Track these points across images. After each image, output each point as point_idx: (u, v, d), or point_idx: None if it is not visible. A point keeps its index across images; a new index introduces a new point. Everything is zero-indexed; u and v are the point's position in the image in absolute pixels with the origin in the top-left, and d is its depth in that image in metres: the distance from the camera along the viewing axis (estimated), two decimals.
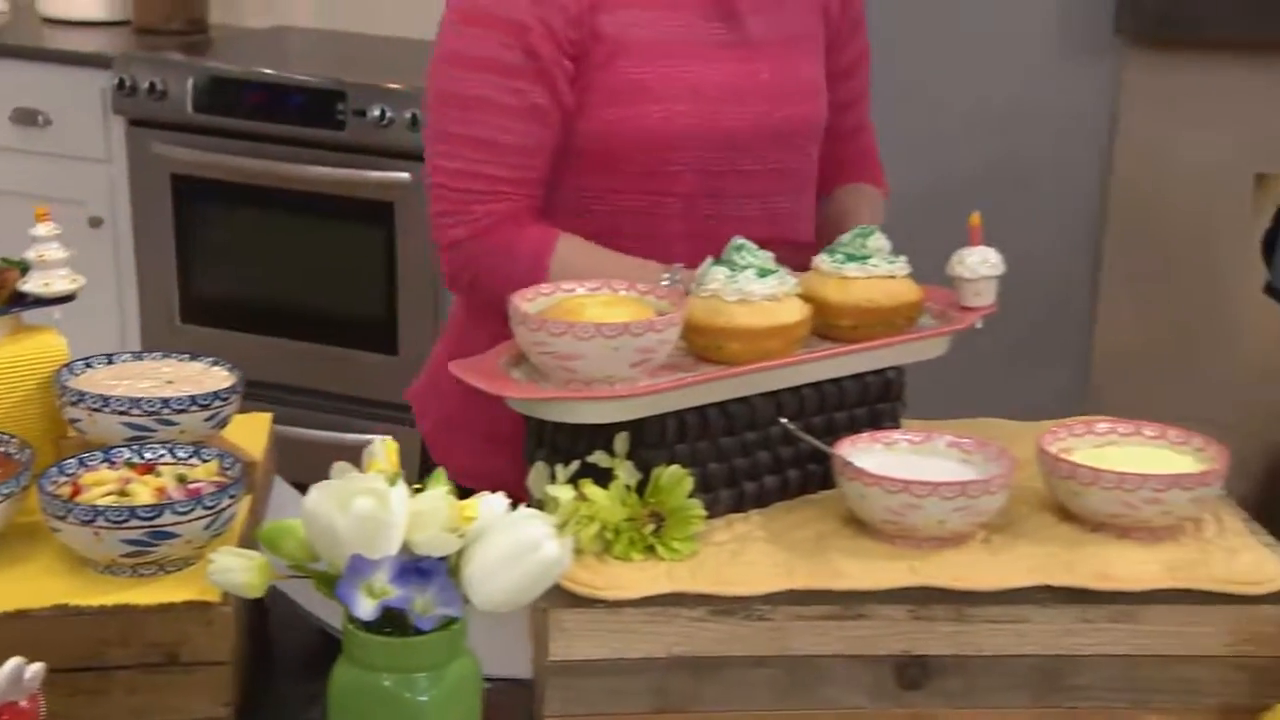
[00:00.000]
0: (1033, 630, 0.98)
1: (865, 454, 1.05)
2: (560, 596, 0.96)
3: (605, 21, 1.30)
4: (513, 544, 0.87)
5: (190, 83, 2.50)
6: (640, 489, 1.00)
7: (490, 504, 0.89)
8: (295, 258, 2.58)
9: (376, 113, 2.40)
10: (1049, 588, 0.98)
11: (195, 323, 2.63)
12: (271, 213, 2.55)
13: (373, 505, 0.83)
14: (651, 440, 1.01)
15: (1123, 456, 1.06)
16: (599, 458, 1.00)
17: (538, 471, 1.02)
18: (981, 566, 0.99)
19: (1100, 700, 0.98)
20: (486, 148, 1.27)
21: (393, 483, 0.85)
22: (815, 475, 1.08)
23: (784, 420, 1.04)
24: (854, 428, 1.08)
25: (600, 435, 1.01)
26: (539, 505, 0.97)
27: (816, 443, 1.04)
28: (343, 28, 2.84)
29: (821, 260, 1.13)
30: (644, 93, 1.31)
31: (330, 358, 2.57)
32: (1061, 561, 0.99)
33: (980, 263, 1.14)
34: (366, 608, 0.83)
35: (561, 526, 0.93)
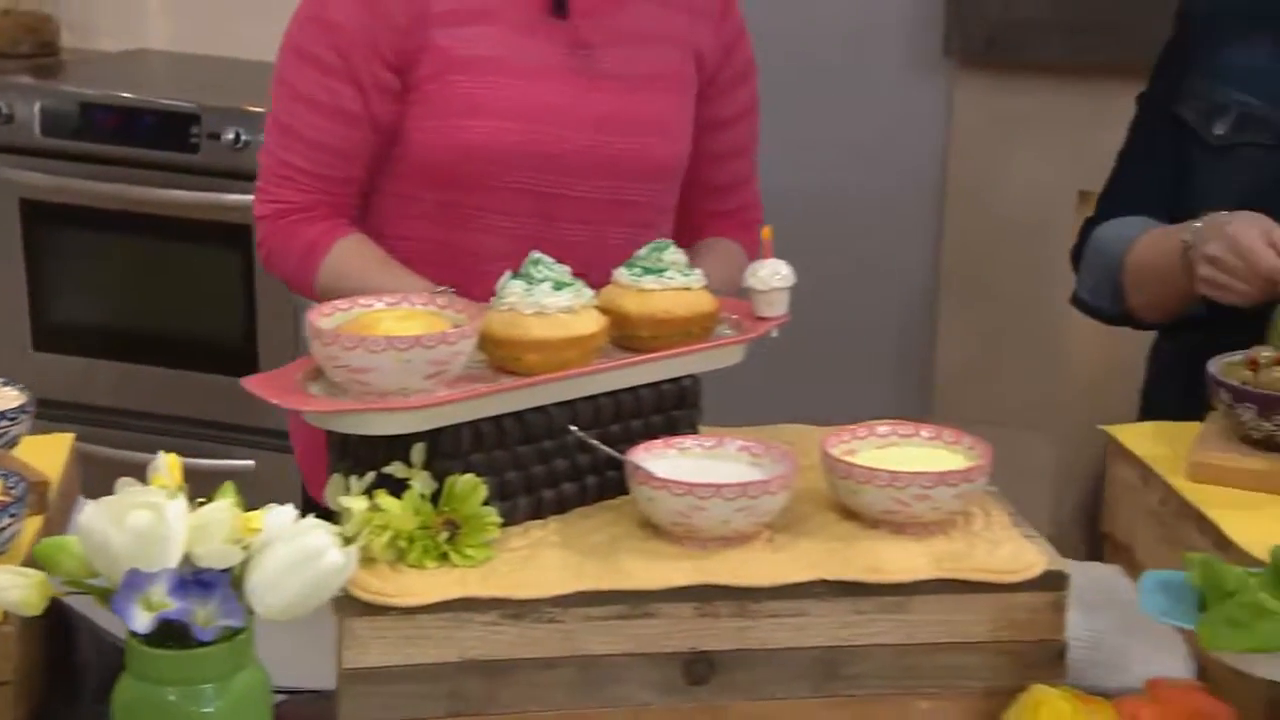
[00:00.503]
0: (812, 623, 1.02)
1: (659, 459, 1.09)
2: (354, 605, 0.98)
3: (441, 35, 1.34)
4: (296, 553, 0.89)
5: (38, 106, 2.47)
6: (436, 498, 1.03)
7: (276, 515, 0.91)
8: (151, 282, 2.56)
9: (231, 135, 2.39)
10: (826, 582, 1.02)
11: (49, 350, 2.58)
12: (126, 237, 2.52)
13: (149, 519, 0.85)
14: (447, 450, 1.04)
15: (902, 457, 1.12)
16: (395, 468, 1.03)
17: (334, 483, 1.04)
18: (763, 564, 1.03)
19: (875, 688, 1.03)
20: (293, 137, 1.34)
21: (172, 496, 0.87)
22: (613, 481, 1.11)
23: (574, 428, 1.07)
24: (651, 435, 1.12)
25: (398, 446, 1.03)
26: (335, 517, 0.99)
27: (606, 449, 1.08)
28: (199, 51, 2.82)
29: (620, 274, 1.17)
30: (473, 107, 1.35)
31: (190, 383, 2.54)
32: (838, 557, 1.04)
33: (772, 275, 1.20)
34: (142, 621, 0.84)
35: (354, 536, 0.96)
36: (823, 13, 2.40)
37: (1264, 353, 1.16)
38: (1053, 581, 1.03)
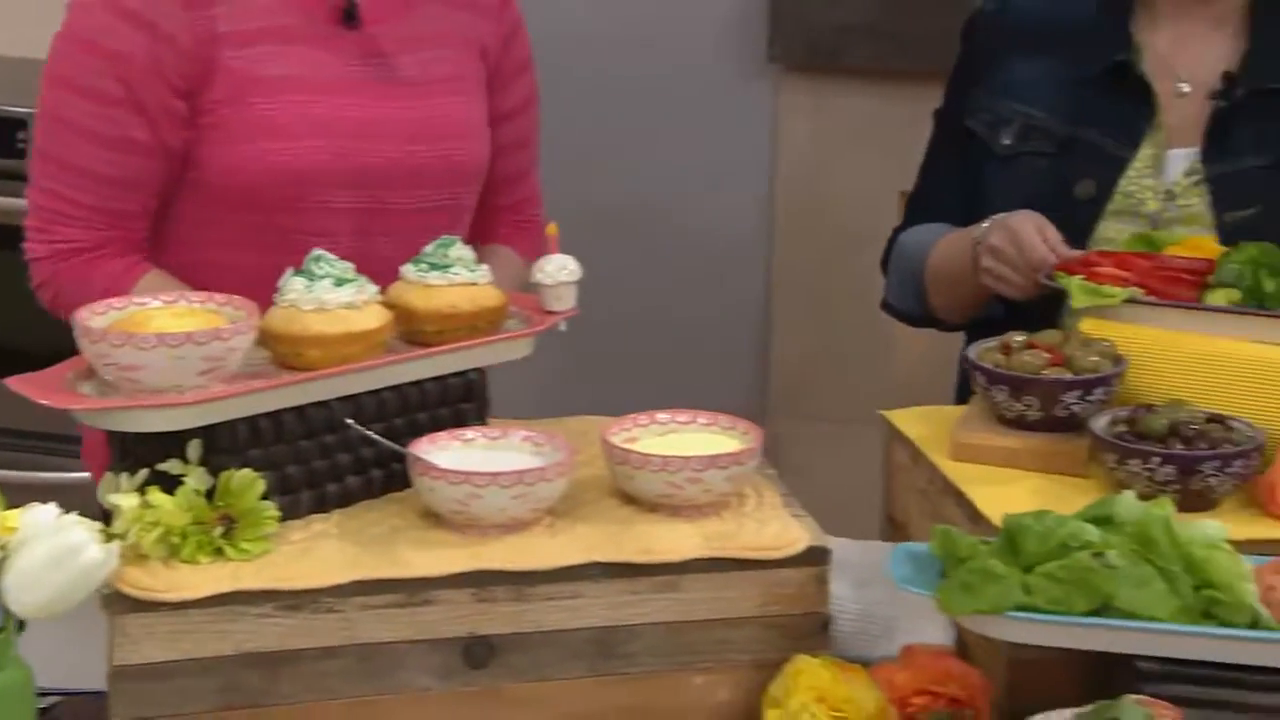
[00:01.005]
0: (587, 604, 1.05)
1: (442, 451, 1.11)
2: (124, 602, 0.97)
3: (229, 56, 1.30)
4: (54, 551, 0.89)
5: None
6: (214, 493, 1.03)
7: (34, 514, 0.91)
8: None
9: None
10: (599, 564, 1.06)
11: None
12: None
13: None
14: (224, 446, 1.04)
15: (680, 443, 1.15)
16: (171, 465, 1.03)
17: (105, 481, 1.03)
18: (540, 548, 1.06)
19: (650, 665, 1.07)
20: (76, 173, 1.28)
21: None
22: (399, 474, 1.13)
23: (351, 421, 1.08)
24: (438, 428, 1.14)
25: (175, 443, 1.03)
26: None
27: (387, 442, 1.09)
28: (27, 55, 2.74)
29: (407, 270, 1.19)
30: (272, 129, 1.32)
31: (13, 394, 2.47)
32: (613, 540, 1.07)
33: (559, 269, 1.23)
34: None
35: (122, 533, 0.96)
36: (650, 19, 2.45)
37: (1016, 338, 1.23)
38: (815, 557, 1.07)
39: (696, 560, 1.06)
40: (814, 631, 1.08)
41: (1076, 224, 1.43)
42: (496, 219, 1.52)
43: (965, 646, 1.12)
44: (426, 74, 1.40)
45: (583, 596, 1.05)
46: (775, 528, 1.09)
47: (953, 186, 1.57)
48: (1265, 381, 1.13)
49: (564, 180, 2.47)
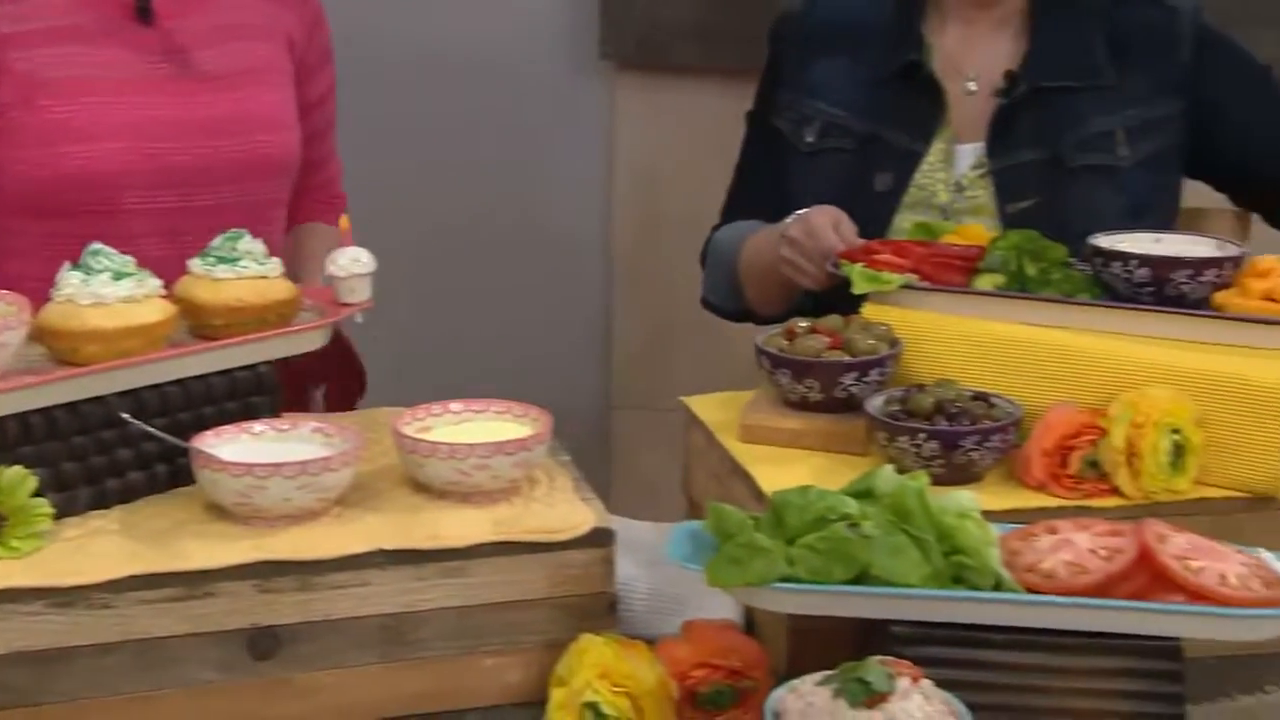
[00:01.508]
0: (374, 592, 1.06)
1: (230, 444, 1.11)
2: None
3: (16, 59, 1.27)
4: None
5: None
6: None
7: None
8: None
9: None
10: (386, 551, 1.07)
11: None
12: None
13: None
14: None
15: (474, 431, 1.17)
16: None
17: None
18: (326, 538, 1.06)
19: (440, 650, 1.08)
20: None
21: None
22: (186, 469, 1.11)
23: (126, 416, 1.07)
24: (227, 422, 1.14)
25: None
26: None
27: (167, 437, 1.08)
28: None
29: (194, 264, 1.18)
30: (69, 132, 1.28)
31: None
32: (400, 527, 1.08)
33: (352, 262, 1.23)
34: None
35: None
36: (482, 18, 2.46)
37: (800, 323, 1.28)
38: (600, 538, 1.10)
39: (484, 545, 1.08)
40: (601, 611, 1.10)
41: (876, 216, 1.50)
42: (305, 199, 1.52)
43: (753, 618, 1.16)
44: (230, 67, 1.38)
45: (370, 584, 1.06)
46: (562, 511, 1.11)
47: (764, 184, 1.62)
48: (1026, 360, 1.20)
49: (402, 179, 2.47)
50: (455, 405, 1.19)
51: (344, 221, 1.24)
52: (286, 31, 1.45)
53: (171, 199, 1.33)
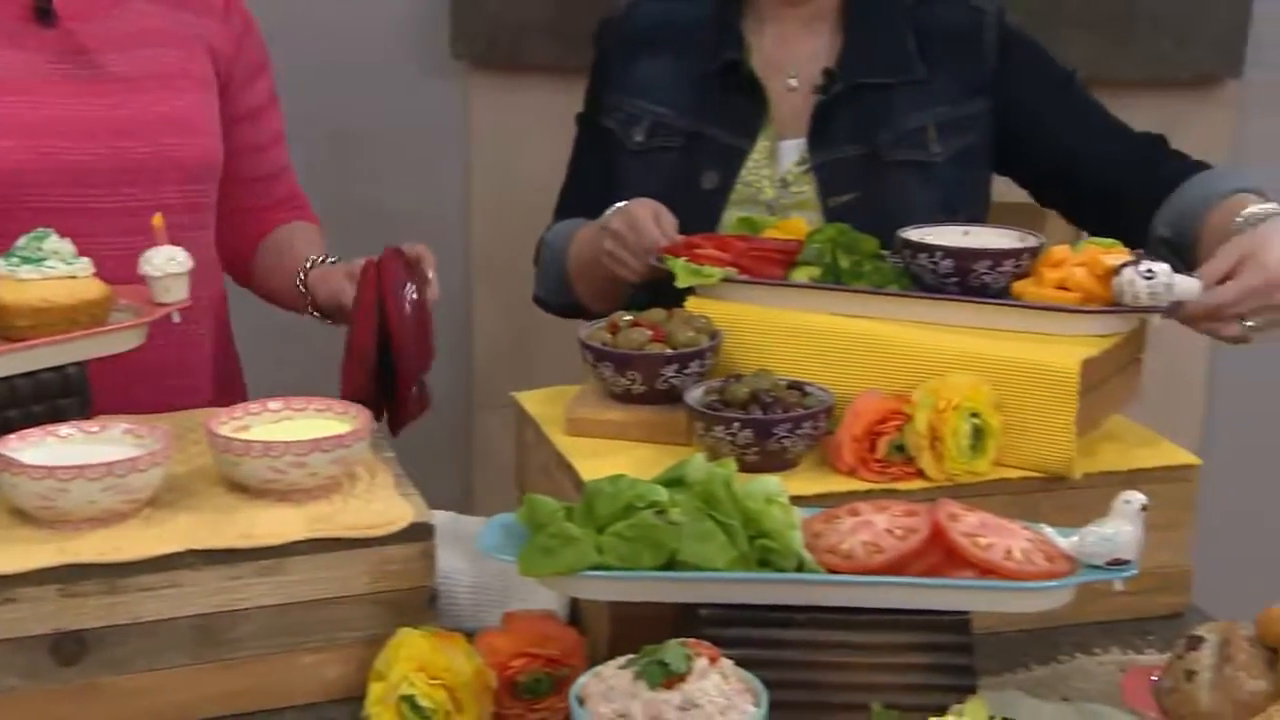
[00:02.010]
0: (186, 593, 1.05)
1: (35, 447, 1.09)
2: None
3: None
4: None
5: None
6: None
7: None
8: None
9: None
10: (197, 551, 1.05)
11: None
12: None
13: None
14: None
15: (294, 429, 1.17)
16: None
17: None
18: (134, 539, 1.05)
19: (257, 649, 1.07)
20: None
21: None
22: None
23: None
24: (32, 425, 1.11)
25: None
26: None
27: None
28: None
29: None
30: None
31: None
32: (213, 527, 1.07)
33: (168, 260, 1.22)
34: None
35: None
36: (333, 17, 2.43)
37: (624, 317, 1.30)
38: (419, 533, 1.11)
39: (300, 542, 1.08)
40: (421, 605, 1.11)
41: (705, 213, 1.53)
42: (273, 216, 1.53)
43: (577, 608, 1.17)
44: (139, 71, 1.37)
45: (181, 585, 1.05)
46: (379, 507, 1.11)
47: (595, 183, 1.64)
48: (838, 349, 1.23)
49: None
50: (274, 403, 1.19)
51: (157, 219, 1.22)
52: (206, 41, 1.45)
53: (73, 199, 1.32)
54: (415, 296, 1.29)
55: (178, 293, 1.22)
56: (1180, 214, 1.41)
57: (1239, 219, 1.32)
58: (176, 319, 1.22)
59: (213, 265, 1.50)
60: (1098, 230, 1.45)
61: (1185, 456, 1.21)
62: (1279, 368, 2.27)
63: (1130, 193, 1.47)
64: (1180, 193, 1.44)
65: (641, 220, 1.41)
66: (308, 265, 1.45)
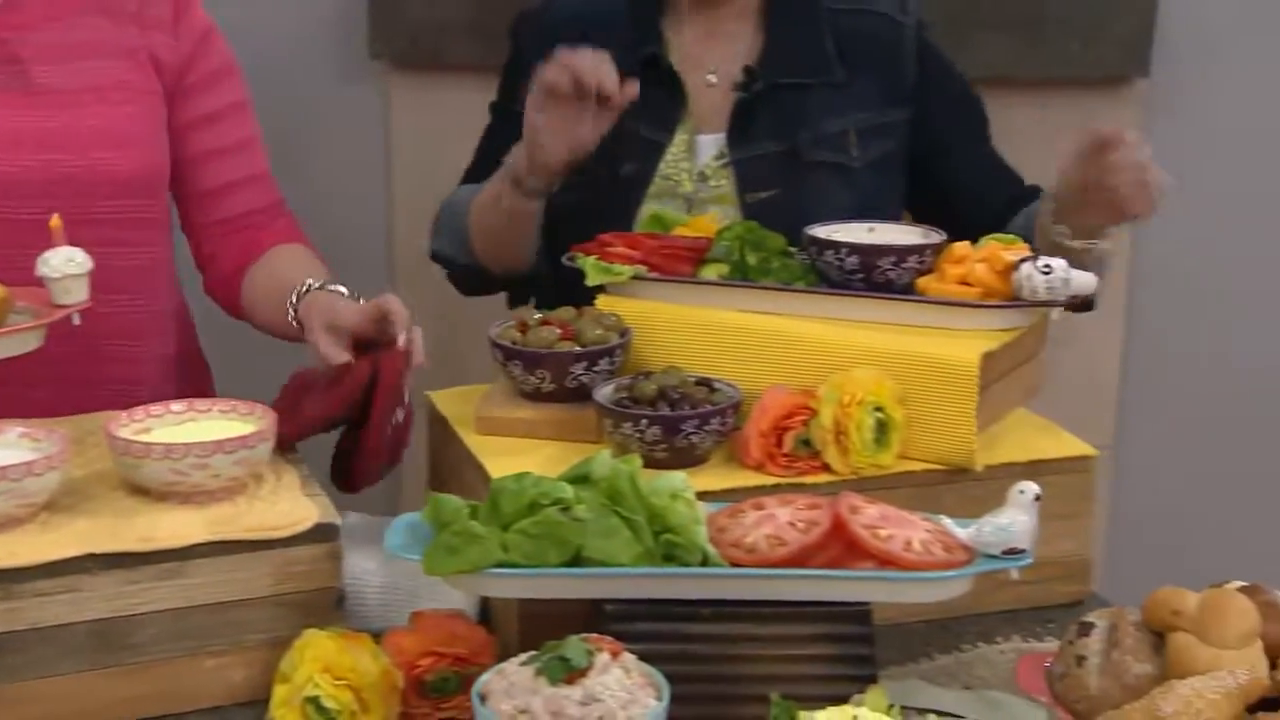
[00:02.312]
0: (84, 598, 1.04)
1: None
2: None
3: None
4: None
5: None
6: None
7: None
8: None
9: None
10: (96, 556, 1.04)
11: None
12: None
13: None
14: None
15: (197, 430, 1.16)
16: None
17: None
18: (30, 545, 1.04)
19: (158, 654, 1.06)
20: None
21: None
22: None
23: None
24: None
25: None
26: None
27: None
28: None
29: None
30: None
31: None
32: (112, 531, 1.06)
33: (66, 262, 1.20)
34: None
35: None
36: (248, 16, 2.41)
37: (533, 315, 1.30)
38: (325, 533, 1.10)
39: (202, 545, 1.07)
40: (328, 606, 1.10)
41: (623, 205, 1.53)
42: (257, 236, 1.49)
43: (488, 606, 1.17)
44: (72, 84, 1.35)
45: (79, 590, 1.03)
46: (284, 508, 1.11)
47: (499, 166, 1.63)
48: (746, 345, 1.25)
49: None
50: (176, 405, 1.17)
51: (55, 220, 1.20)
52: (152, 53, 1.42)
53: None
54: (401, 420, 1.22)
55: (77, 294, 1.20)
56: (1020, 229, 1.42)
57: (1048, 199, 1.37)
58: (77, 320, 1.20)
59: (161, 280, 1.47)
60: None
61: (1083, 448, 1.24)
62: (1189, 360, 2.33)
63: (1004, 229, 1.47)
64: (1022, 217, 1.49)
65: (576, 54, 1.37)
66: (302, 289, 1.35)
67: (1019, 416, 1.29)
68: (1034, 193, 1.56)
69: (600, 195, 1.50)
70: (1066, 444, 1.25)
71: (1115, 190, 1.29)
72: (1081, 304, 1.32)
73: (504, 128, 1.65)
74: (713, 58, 1.57)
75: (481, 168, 1.69)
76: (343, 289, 1.38)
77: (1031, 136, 2.18)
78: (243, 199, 1.50)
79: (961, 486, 1.19)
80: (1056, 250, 1.30)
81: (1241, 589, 0.92)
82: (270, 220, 1.53)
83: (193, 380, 1.53)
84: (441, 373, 2.63)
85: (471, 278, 1.65)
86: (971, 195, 1.55)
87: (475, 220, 1.58)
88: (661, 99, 1.55)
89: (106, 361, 1.41)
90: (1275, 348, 2.32)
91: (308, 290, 1.35)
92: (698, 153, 1.54)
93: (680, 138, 1.54)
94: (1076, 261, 1.28)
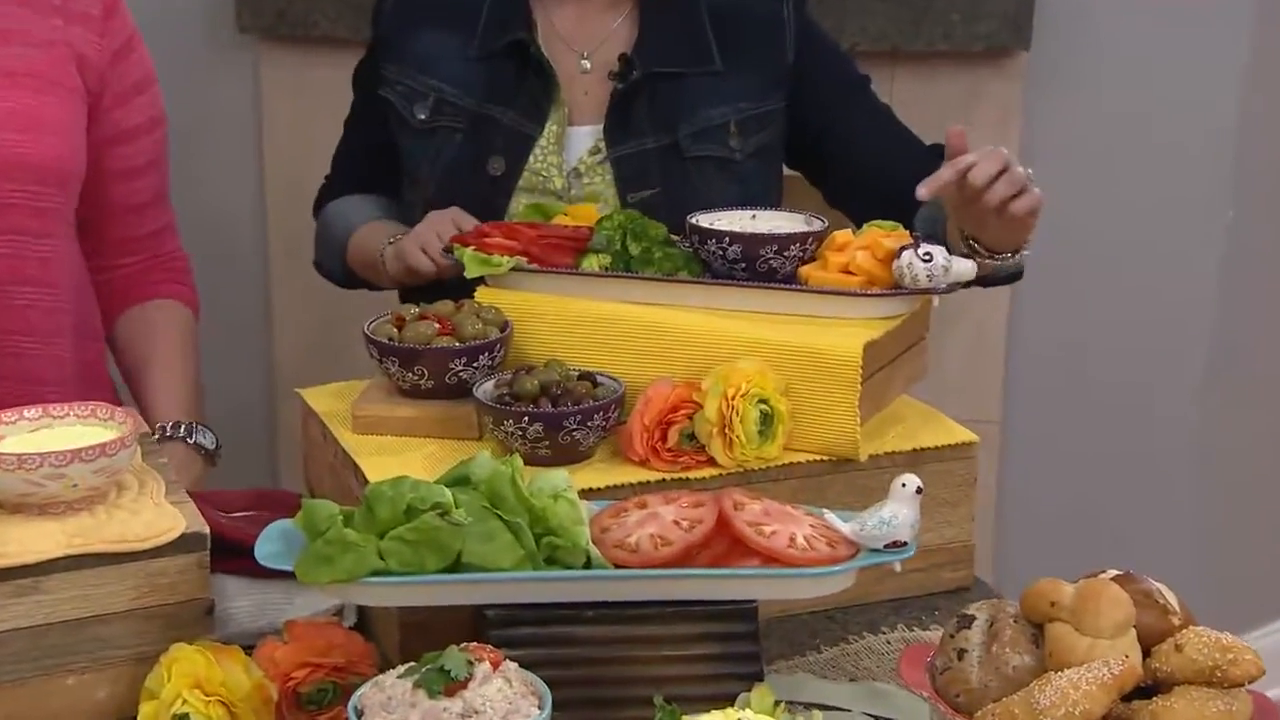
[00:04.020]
0: None
1: None
2: None
3: None
4: None
5: None
6: None
7: None
8: None
9: None
10: None
11: None
12: None
13: None
14: None
15: (54, 438, 1.12)
16: None
17: None
18: None
19: (15, 674, 1.03)
20: None
21: None
22: None
23: None
24: None
25: None
26: None
27: None
28: None
29: None
30: None
31: None
32: None
33: None
34: None
35: None
36: None
37: (411, 309, 1.29)
38: (192, 543, 1.08)
39: (60, 559, 1.04)
40: (196, 618, 1.08)
41: (492, 201, 1.51)
42: (143, 261, 1.50)
43: (366, 612, 1.16)
44: None
45: None
46: (147, 517, 1.08)
47: (373, 153, 1.62)
48: (628, 338, 1.25)
49: None
50: (31, 411, 1.13)
51: None
52: (74, 48, 1.39)
53: None
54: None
55: None
56: (930, 218, 1.44)
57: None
58: None
59: (63, 277, 1.44)
60: None
61: (966, 434, 1.27)
62: (1074, 335, 2.41)
63: (911, 202, 1.50)
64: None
65: (412, 260, 1.42)
66: (166, 430, 1.43)
67: (904, 403, 1.31)
68: (937, 153, 1.55)
69: (467, 191, 1.48)
70: (950, 431, 1.28)
71: (1010, 215, 1.27)
72: (1009, 276, 1.35)
73: (369, 111, 1.62)
74: (584, 41, 1.54)
75: (352, 159, 1.66)
76: (206, 441, 1.44)
77: (916, 109, 2.22)
78: (139, 221, 1.50)
79: (847, 477, 1.22)
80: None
81: (1116, 578, 0.95)
82: (160, 245, 1.54)
83: (95, 395, 1.50)
84: (321, 364, 2.60)
85: (356, 285, 1.63)
86: (881, 174, 1.51)
87: (353, 258, 1.58)
88: (531, 87, 1.51)
89: (6, 356, 1.39)
90: (1153, 317, 2.40)
91: (170, 432, 1.43)
92: (569, 146, 1.51)
93: (551, 129, 1.51)
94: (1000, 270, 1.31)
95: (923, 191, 1.25)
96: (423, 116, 1.54)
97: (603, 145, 1.50)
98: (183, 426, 1.43)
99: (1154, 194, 2.36)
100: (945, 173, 1.26)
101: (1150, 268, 2.37)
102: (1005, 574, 2.41)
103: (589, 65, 1.53)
